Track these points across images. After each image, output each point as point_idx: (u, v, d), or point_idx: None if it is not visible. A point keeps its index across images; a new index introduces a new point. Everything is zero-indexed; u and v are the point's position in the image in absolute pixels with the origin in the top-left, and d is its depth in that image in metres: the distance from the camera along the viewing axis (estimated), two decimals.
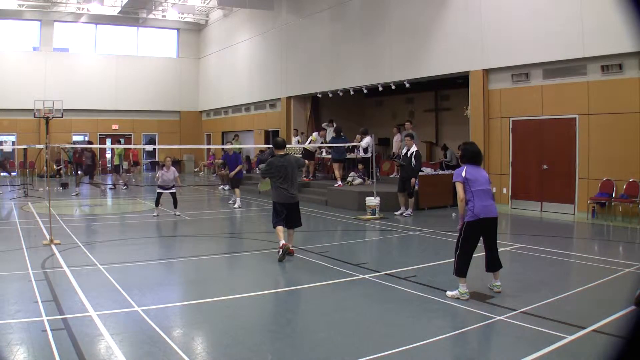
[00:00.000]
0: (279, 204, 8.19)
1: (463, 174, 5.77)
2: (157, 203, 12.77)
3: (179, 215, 12.62)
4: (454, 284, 6.45)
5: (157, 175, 13.20)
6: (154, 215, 12.51)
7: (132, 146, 26.93)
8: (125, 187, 20.36)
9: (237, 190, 14.53)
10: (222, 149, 14.52)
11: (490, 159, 14.31)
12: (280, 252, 7.73)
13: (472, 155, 5.95)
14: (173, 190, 12.89)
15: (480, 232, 5.76)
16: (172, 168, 13.01)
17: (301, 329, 4.96)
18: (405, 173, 12.77)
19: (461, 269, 5.69)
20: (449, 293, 5.76)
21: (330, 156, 17.22)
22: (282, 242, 7.83)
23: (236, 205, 14.27)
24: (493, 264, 5.89)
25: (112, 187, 20.39)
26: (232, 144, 20.79)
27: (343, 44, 19.26)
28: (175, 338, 4.65)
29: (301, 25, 21.67)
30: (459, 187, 5.76)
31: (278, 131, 23.36)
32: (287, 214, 8.12)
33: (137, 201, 16.84)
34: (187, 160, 30.82)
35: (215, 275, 7.50)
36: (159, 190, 12.88)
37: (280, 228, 8.02)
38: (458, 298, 5.64)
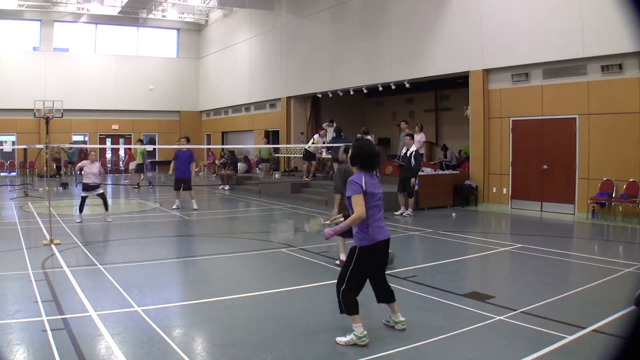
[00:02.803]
0: None
1: (362, 184, 4.51)
2: (81, 208, 11.36)
3: (111, 220, 11.64)
4: (454, 283, 6.46)
5: (80, 166, 11.62)
6: (78, 222, 11.28)
7: (160, 146, 26.97)
8: (137, 187, 20.34)
9: (191, 192, 14.07)
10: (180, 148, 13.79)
11: (490, 159, 14.32)
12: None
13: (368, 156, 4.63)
14: (100, 191, 11.57)
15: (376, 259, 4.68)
16: (97, 163, 11.74)
17: (301, 329, 4.95)
18: (404, 173, 12.77)
19: (352, 307, 4.52)
20: (340, 340, 4.51)
21: (330, 156, 17.22)
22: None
23: (195, 207, 13.61)
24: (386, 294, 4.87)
25: (137, 186, 20.36)
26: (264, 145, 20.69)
27: (343, 44, 19.26)
28: (175, 338, 4.65)
29: (301, 25, 21.67)
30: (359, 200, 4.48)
31: (278, 131, 23.37)
32: None
33: (137, 201, 16.85)
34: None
35: (215, 275, 7.50)
36: (83, 193, 11.44)
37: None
38: (355, 344, 4.44)
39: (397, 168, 13.85)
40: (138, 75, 29.57)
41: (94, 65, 28.80)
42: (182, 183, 13.87)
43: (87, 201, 11.54)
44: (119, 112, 29.28)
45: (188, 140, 21.17)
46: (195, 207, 13.68)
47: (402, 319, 4.82)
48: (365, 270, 4.64)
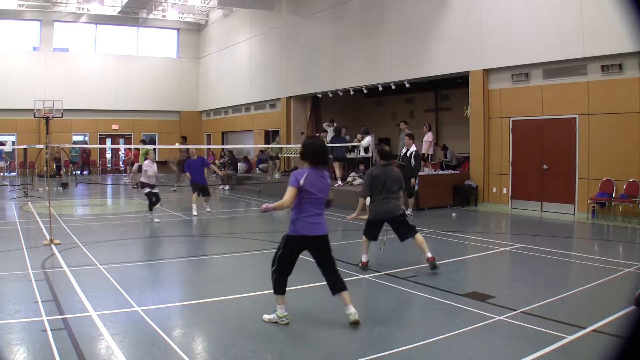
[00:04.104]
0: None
1: (302, 179, 4.86)
2: (150, 206, 11.64)
3: (158, 221, 11.76)
4: (454, 283, 6.46)
5: (141, 166, 11.84)
6: (157, 222, 11.51)
7: (160, 146, 26.95)
8: (136, 186, 20.26)
9: (208, 197, 13.76)
10: (185, 149, 13.43)
11: (490, 159, 14.32)
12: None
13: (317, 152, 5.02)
14: (156, 190, 11.90)
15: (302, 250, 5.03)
16: (155, 163, 12.04)
17: (301, 329, 4.95)
18: (404, 173, 12.75)
19: (279, 287, 5.00)
20: (265, 317, 5.03)
21: (330, 156, 17.23)
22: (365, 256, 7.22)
23: (208, 209, 13.54)
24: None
25: (136, 186, 20.29)
26: (277, 144, 20.60)
27: (343, 44, 19.26)
28: (175, 338, 4.65)
29: (301, 25, 21.67)
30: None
31: (278, 131, 23.38)
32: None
33: (137, 201, 16.84)
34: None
35: (216, 275, 7.50)
36: (146, 190, 11.73)
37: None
38: (276, 323, 4.94)
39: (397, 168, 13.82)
40: (138, 75, 29.55)
41: (94, 65, 28.79)
42: (200, 189, 13.65)
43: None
44: (119, 112, 29.26)
45: (185, 140, 21.03)
46: (208, 209, 13.56)
47: (352, 311, 4.86)
48: (289, 257, 5.04)
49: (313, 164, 4.97)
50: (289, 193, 4.83)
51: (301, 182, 4.84)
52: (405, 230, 7.21)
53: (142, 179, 11.86)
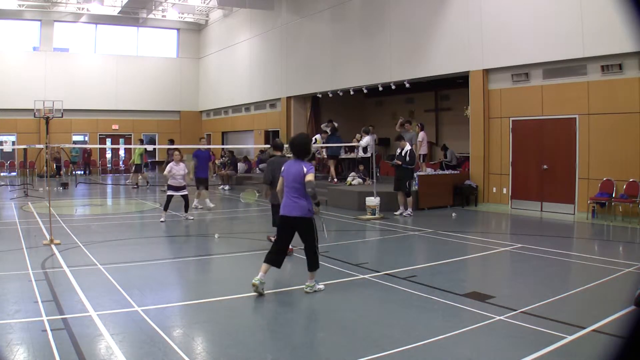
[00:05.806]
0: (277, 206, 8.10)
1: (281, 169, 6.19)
2: (166, 207, 11.49)
3: (192, 218, 12.02)
4: (454, 283, 6.46)
5: (168, 170, 11.51)
6: (162, 221, 11.45)
7: (160, 146, 26.97)
8: (136, 186, 20.28)
9: (205, 192, 13.88)
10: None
11: (490, 159, 14.32)
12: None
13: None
14: (185, 192, 11.68)
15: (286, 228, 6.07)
16: (182, 164, 11.71)
17: (301, 329, 4.96)
18: (400, 172, 12.79)
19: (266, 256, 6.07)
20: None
21: (327, 156, 17.53)
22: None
23: (211, 205, 13.91)
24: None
25: (135, 186, 20.34)
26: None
27: (343, 44, 19.26)
28: (175, 338, 4.65)
29: (301, 25, 21.67)
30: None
31: (278, 131, 23.38)
32: None
33: (137, 201, 16.85)
34: (187, 160, 30.73)
35: (216, 275, 7.50)
36: (169, 192, 11.54)
37: None
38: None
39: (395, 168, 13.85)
40: (138, 75, 29.56)
41: (94, 65, 28.80)
42: (201, 182, 13.71)
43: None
44: (119, 112, 29.27)
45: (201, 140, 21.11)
46: (210, 205, 13.77)
47: (307, 283, 6.05)
48: (278, 231, 6.26)
49: (293, 155, 6.14)
50: (280, 181, 6.19)
51: (282, 169, 6.15)
52: None
53: (170, 182, 11.56)
